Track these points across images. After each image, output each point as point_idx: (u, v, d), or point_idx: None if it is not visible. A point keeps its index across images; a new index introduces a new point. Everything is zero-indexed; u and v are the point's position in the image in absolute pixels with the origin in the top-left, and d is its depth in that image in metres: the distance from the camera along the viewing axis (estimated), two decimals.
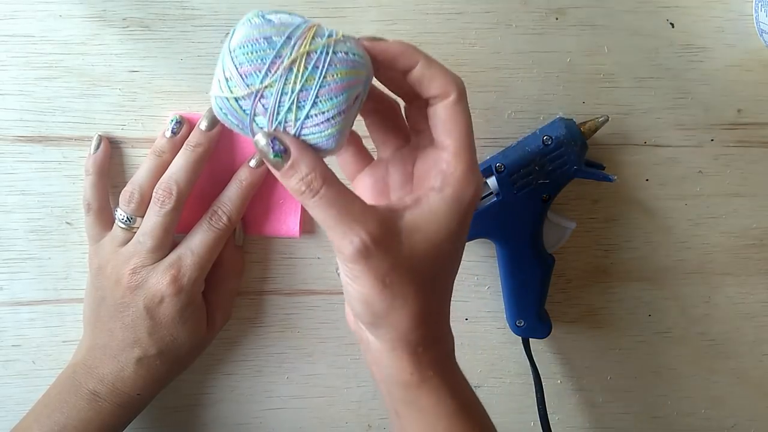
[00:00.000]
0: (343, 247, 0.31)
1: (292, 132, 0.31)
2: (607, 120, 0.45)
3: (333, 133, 0.31)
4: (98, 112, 0.46)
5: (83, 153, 0.46)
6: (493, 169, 0.44)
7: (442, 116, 0.33)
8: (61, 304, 0.48)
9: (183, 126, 0.44)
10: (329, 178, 0.32)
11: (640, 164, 0.48)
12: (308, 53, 0.30)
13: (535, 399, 0.48)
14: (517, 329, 0.48)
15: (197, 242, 0.43)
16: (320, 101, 0.30)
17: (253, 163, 0.44)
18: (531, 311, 0.47)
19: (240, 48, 0.30)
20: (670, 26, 0.47)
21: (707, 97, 0.47)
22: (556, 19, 0.46)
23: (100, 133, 0.45)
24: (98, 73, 0.45)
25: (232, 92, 0.31)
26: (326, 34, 0.31)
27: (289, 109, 0.31)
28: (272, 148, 0.31)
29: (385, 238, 0.31)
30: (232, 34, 0.31)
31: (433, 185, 0.33)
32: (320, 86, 0.30)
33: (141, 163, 0.44)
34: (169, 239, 0.43)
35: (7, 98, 0.45)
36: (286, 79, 0.30)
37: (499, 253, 0.47)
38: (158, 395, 0.46)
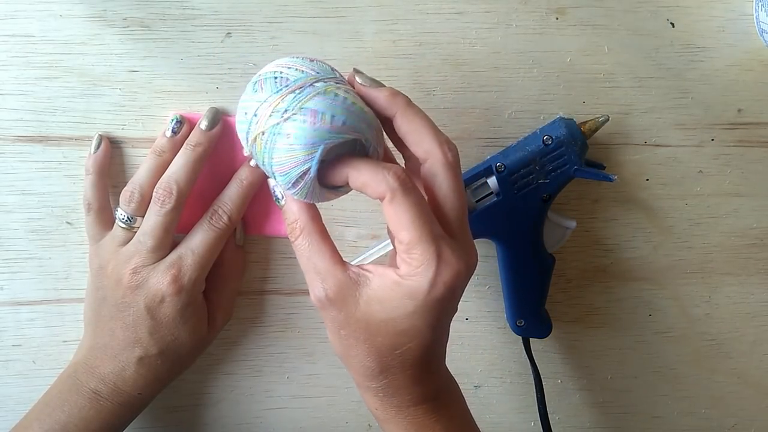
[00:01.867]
0: (309, 290, 0.36)
1: None
2: (608, 120, 0.45)
3: (302, 196, 0.34)
4: (98, 112, 0.46)
5: (83, 153, 0.46)
6: (494, 169, 0.44)
7: (386, 215, 0.33)
8: (61, 304, 0.48)
9: (183, 125, 0.44)
10: (307, 231, 0.35)
11: (640, 164, 0.48)
12: (263, 133, 0.33)
13: (536, 398, 0.48)
14: (517, 329, 0.48)
15: (198, 242, 0.43)
16: (276, 175, 0.33)
17: (253, 162, 0.44)
18: (531, 311, 0.47)
19: (236, 115, 0.35)
20: (671, 26, 0.47)
21: (707, 96, 0.47)
22: (557, 18, 0.46)
23: (100, 133, 0.45)
24: (98, 72, 0.45)
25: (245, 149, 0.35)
26: (283, 110, 0.32)
27: (265, 167, 0.34)
28: (274, 193, 0.37)
29: (339, 298, 0.34)
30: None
31: (396, 266, 0.34)
32: (271, 165, 0.33)
33: (141, 163, 0.44)
34: (170, 239, 0.43)
35: (8, 98, 0.45)
36: (254, 152, 0.34)
37: (500, 253, 0.47)
38: (159, 395, 0.46)
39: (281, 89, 0.33)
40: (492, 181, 0.45)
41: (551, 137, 0.43)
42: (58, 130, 0.46)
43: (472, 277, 0.49)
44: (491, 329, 0.50)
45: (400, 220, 0.32)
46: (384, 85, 0.35)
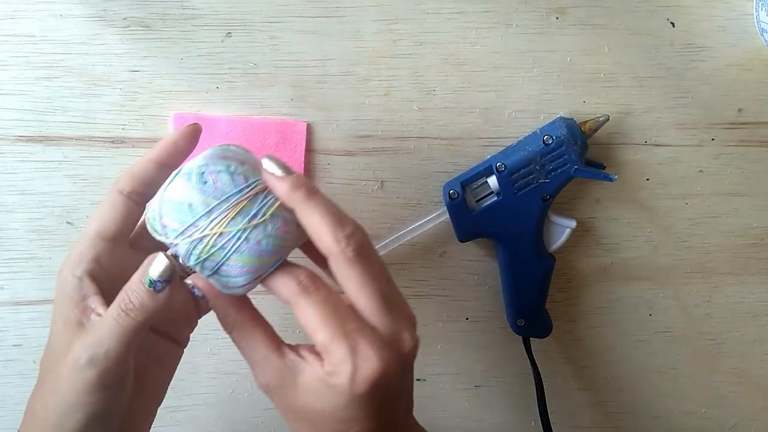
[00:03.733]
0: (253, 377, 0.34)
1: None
2: (608, 119, 0.45)
3: (231, 292, 0.34)
4: (99, 112, 0.46)
5: (84, 153, 0.46)
6: (494, 169, 0.44)
7: (299, 320, 0.33)
8: None
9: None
10: (238, 325, 0.34)
11: (640, 164, 0.48)
12: (219, 234, 0.31)
13: (536, 398, 0.48)
14: (517, 328, 0.48)
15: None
16: (222, 276, 0.33)
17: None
18: (531, 311, 0.47)
19: (168, 202, 0.32)
20: (671, 25, 0.47)
21: (708, 96, 0.47)
22: (557, 18, 0.46)
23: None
24: (99, 72, 0.45)
25: (156, 231, 0.33)
26: (251, 213, 0.32)
27: (198, 262, 0.32)
28: (193, 289, 0.34)
29: (279, 386, 0.33)
30: (171, 180, 0.32)
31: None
32: (222, 264, 0.32)
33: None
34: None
35: (8, 98, 0.45)
36: (194, 249, 0.32)
37: (500, 253, 0.47)
38: None
39: (243, 190, 0.32)
40: (492, 180, 0.45)
41: (551, 137, 0.43)
42: (58, 130, 0.46)
43: (472, 277, 0.49)
44: (491, 329, 0.50)
45: (308, 323, 0.32)
46: (291, 173, 0.33)
